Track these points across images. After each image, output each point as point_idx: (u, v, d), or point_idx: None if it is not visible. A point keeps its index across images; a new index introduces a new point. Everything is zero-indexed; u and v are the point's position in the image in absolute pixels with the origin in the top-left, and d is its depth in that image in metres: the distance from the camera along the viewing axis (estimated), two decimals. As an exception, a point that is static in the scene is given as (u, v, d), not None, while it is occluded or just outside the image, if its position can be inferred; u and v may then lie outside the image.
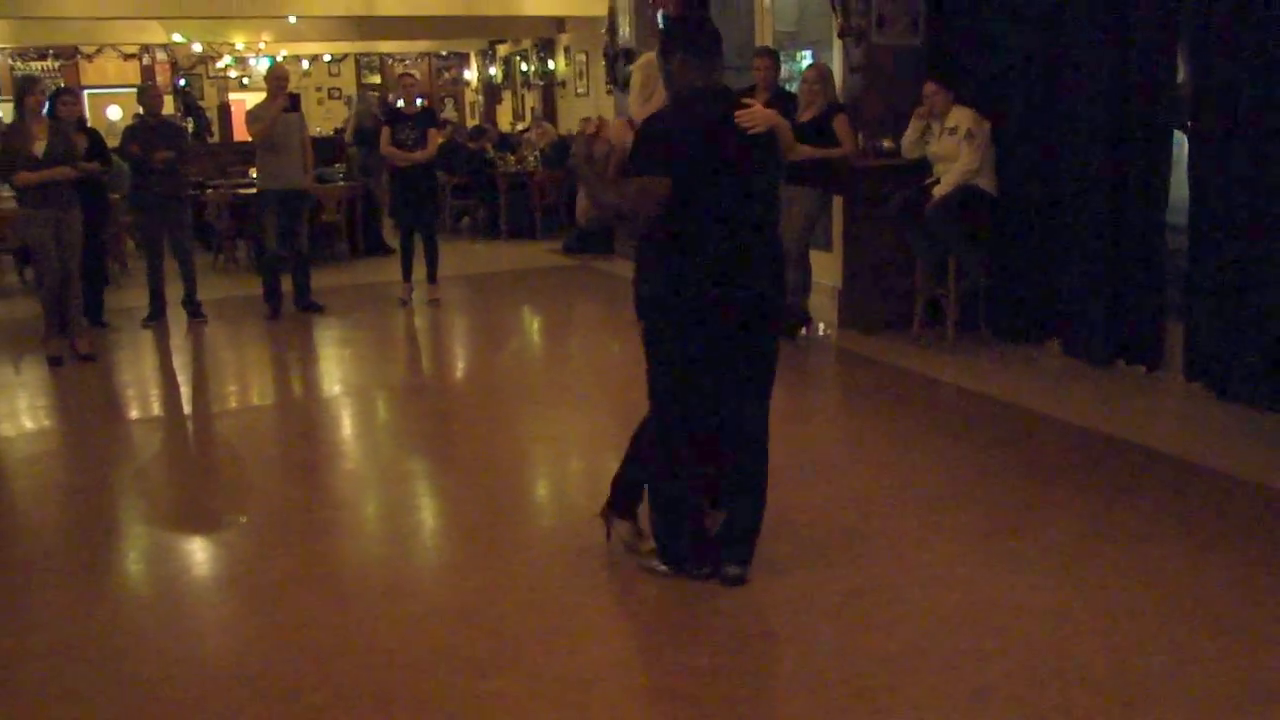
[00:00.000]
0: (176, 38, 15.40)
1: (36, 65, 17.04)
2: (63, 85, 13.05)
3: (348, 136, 12.92)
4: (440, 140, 9.13)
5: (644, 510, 3.77)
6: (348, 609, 3.61)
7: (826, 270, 7.66)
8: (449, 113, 19.12)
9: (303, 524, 4.42)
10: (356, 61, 20.27)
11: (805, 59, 9.20)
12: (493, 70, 18.33)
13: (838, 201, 7.30)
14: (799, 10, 9.29)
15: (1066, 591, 3.54)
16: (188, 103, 18.06)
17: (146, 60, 18.23)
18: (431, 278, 8.79)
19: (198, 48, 16.55)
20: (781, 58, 7.27)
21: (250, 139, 8.41)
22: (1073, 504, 4.28)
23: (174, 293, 8.17)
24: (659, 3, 9.18)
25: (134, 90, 9.79)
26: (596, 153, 3.56)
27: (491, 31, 16.50)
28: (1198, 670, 3.04)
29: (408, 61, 19.94)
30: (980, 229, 6.39)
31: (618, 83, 10.69)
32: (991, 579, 3.64)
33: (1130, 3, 5.67)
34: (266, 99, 8.16)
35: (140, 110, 8.17)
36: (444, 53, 20.36)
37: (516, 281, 10.29)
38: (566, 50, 14.91)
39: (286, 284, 8.35)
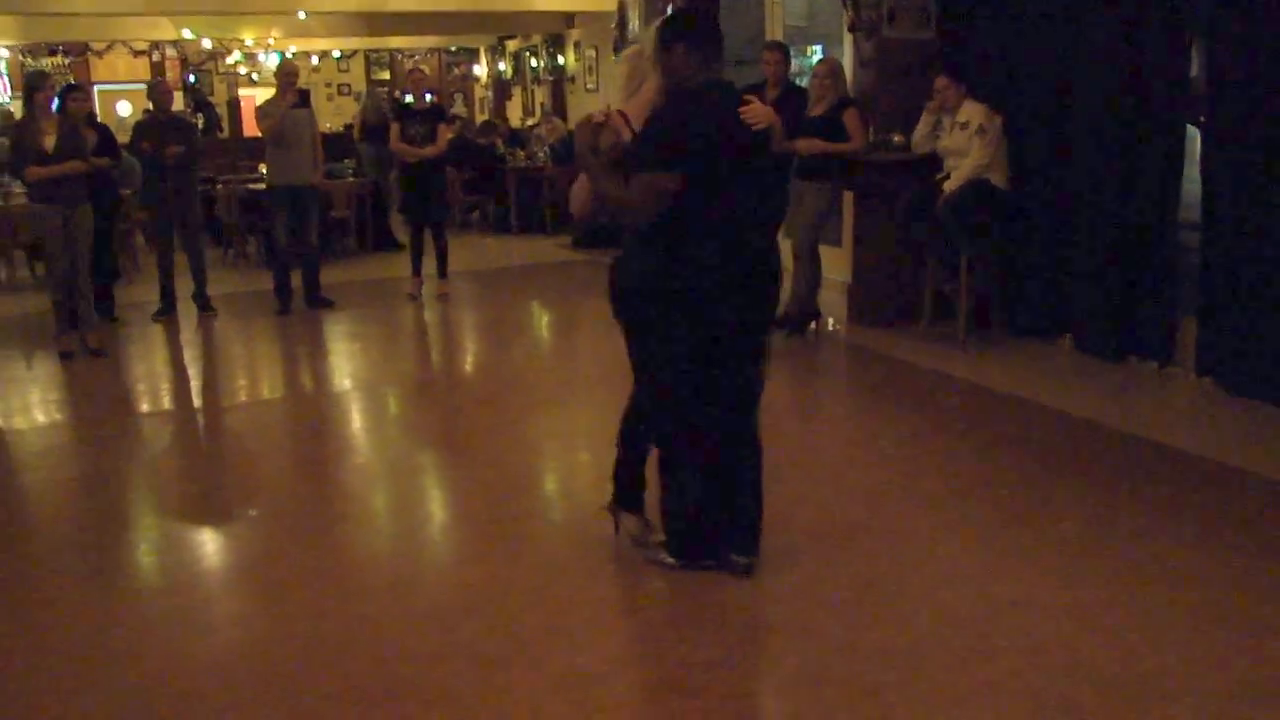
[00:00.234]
0: (186, 34, 15.42)
1: (47, 62, 17.07)
2: (71, 81, 13.10)
3: (356, 133, 12.94)
4: (450, 136, 9.12)
5: (650, 505, 3.77)
6: (356, 602, 3.61)
7: (836, 265, 7.65)
8: (458, 108, 19.10)
9: (312, 518, 4.44)
10: (366, 57, 20.26)
11: (816, 53, 9.18)
12: (502, 66, 18.30)
13: (848, 197, 7.28)
14: (809, 4, 9.26)
15: (1075, 587, 3.52)
16: (198, 99, 18.12)
17: (156, 56, 18.25)
18: (441, 273, 8.81)
19: (207, 44, 16.57)
20: (792, 52, 7.25)
21: (260, 134, 8.43)
22: (1083, 499, 4.26)
23: (184, 288, 8.21)
24: (669, -2, 9.16)
25: (144, 86, 9.79)
26: (603, 143, 3.47)
27: (501, 27, 16.47)
28: (1207, 666, 3.02)
29: (417, 57, 19.92)
30: (991, 224, 6.37)
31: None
32: (1000, 574, 3.63)
33: (1143, -3, 5.65)
34: (276, 95, 8.18)
35: (150, 106, 8.19)
36: (453, 48, 20.33)
37: (526, 277, 10.28)
38: (576, 45, 14.89)
39: (296, 279, 8.37)
